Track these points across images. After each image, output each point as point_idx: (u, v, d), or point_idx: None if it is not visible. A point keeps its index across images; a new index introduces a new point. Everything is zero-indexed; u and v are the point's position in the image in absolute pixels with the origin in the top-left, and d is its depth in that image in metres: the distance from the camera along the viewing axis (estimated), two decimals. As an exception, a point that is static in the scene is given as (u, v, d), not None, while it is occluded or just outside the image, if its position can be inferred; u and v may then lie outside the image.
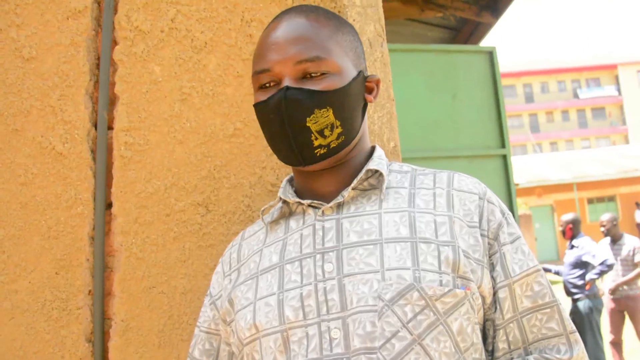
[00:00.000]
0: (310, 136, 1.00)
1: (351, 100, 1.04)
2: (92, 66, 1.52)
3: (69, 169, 1.48)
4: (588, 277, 6.06)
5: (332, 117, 1.00)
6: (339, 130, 1.02)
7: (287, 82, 1.00)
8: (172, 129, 1.47)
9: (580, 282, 6.07)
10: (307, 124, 0.99)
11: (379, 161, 1.08)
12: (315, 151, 1.01)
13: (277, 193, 1.43)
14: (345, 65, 1.04)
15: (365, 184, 1.07)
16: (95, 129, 1.50)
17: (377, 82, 1.13)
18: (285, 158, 1.06)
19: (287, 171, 1.45)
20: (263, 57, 1.04)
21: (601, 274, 6.07)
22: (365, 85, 1.10)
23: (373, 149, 1.15)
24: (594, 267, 6.08)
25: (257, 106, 1.05)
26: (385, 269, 0.93)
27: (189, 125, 1.47)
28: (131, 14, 1.50)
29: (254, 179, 1.45)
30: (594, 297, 6.04)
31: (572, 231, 6.34)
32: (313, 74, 1.01)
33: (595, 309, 6.00)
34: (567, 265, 6.20)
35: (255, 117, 1.45)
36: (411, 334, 0.90)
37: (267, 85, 1.04)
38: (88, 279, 1.45)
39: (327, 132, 1.01)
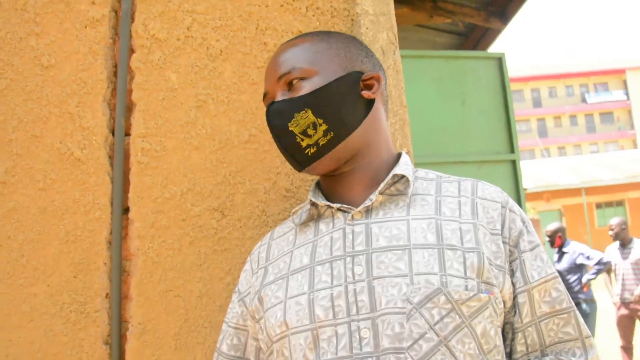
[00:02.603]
0: (295, 138, 1.08)
1: (335, 98, 1.09)
2: (110, 74, 1.55)
3: (86, 174, 1.51)
4: (585, 278, 6.07)
5: (312, 117, 1.08)
6: (323, 127, 1.08)
7: (276, 99, 1.12)
8: (188, 136, 1.49)
9: (577, 287, 6.08)
10: (290, 128, 1.08)
11: (405, 167, 1.12)
12: (306, 151, 1.09)
13: (292, 198, 1.46)
14: (325, 68, 1.11)
15: (392, 189, 1.10)
16: (113, 135, 1.53)
17: (377, 78, 1.16)
18: (291, 165, 1.14)
19: (302, 177, 1.47)
20: (264, 84, 1.18)
21: (598, 273, 6.09)
22: (360, 84, 1.14)
23: (399, 155, 1.19)
24: (588, 269, 6.10)
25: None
26: (414, 273, 0.97)
27: (204, 132, 1.49)
28: (148, 22, 1.53)
29: (269, 184, 1.48)
30: (591, 301, 6.04)
31: (561, 239, 6.40)
32: (293, 82, 1.10)
33: (592, 314, 6.01)
34: (561, 272, 6.23)
35: (269, 123, 1.48)
36: (438, 336, 0.93)
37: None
38: (105, 283, 1.47)
39: (310, 132, 1.08)
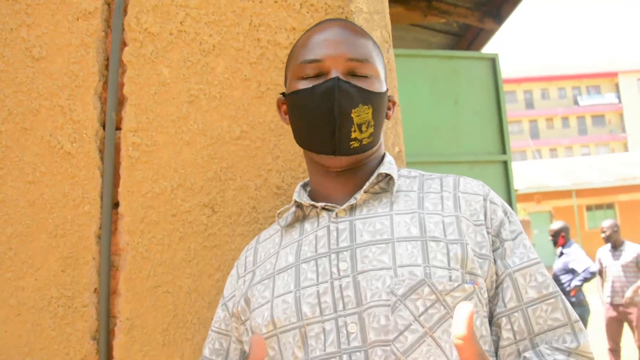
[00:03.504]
0: (351, 127, 1.07)
1: (383, 107, 1.12)
2: (101, 67, 1.54)
3: (76, 168, 1.50)
4: (573, 284, 6.09)
5: (370, 115, 1.08)
6: (371, 130, 1.09)
7: (335, 74, 1.06)
8: (180, 131, 1.48)
9: (567, 289, 6.10)
10: (352, 115, 1.06)
11: (389, 166, 1.14)
12: (350, 143, 1.08)
13: (282, 195, 1.45)
14: (382, 75, 1.14)
15: (377, 187, 1.12)
16: (104, 129, 1.52)
17: (394, 103, 1.22)
18: (318, 145, 1.10)
19: (293, 174, 1.46)
20: (312, 50, 1.11)
21: (585, 281, 6.10)
22: (387, 102, 1.18)
23: (383, 155, 1.21)
24: (579, 274, 6.12)
25: (301, 92, 1.10)
26: (398, 265, 0.97)
27: (196, 127, 1.49)
28: (140, 16, 1.52)
29: (260, 181, 1.47)
30: (580, 304, 6.05)
31: (564, 239, 6.40)
32: (359, 74, 1.09)
33: (583, 317, 6.00)
34: (555, 272, 6.25)
35: (261, 120, 1.48)
36: (423, 327, 0.94)
37: (311, 75, 1.10)
38: (94, 277, 1.46)
39: (364, 128, 1.08)
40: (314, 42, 1.11)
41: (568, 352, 0.99)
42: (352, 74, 1.08)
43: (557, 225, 6.55)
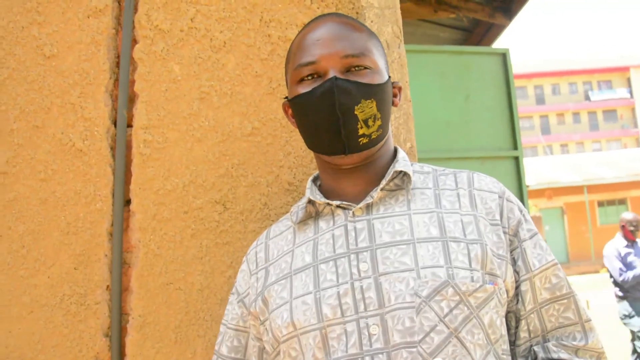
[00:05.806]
0: (357, 124, 1.05)
1: (387, 97, 1.11)
2: (112, 64, 1.54)
3: (88, 165, 1.50)
4: None
5: (375, 109, 1.07)
6: (379, 122, 1.08)
7: (333, 74, 1.05)
8: (191, 127, 1.48)
9: None
10: (355, 112, 1.05)
11: (404, 162, 1.13)
12: (359, 140, 1.06)
13: (294, 192, 1.45)
14: (381, 66, 1.11)
15: (392, 184, 1.11)
16: (115, 126, 1.52)
17: (400, 89, 1.20)
18: (327, 147, 1.09)
19: (304, 170, 1.46)
20: (307, 51, 1.09)
21: None
22: (393, 91, 1.17)
23: (395, 150, 1.20)
24: None
25: (301, 97, 1.08)
26: (420, 267, 0.97)
27: (207, 124, 1.48)
28: (151, 13, 1.52)
29: (271, 177, 1.47)
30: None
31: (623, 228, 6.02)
32: (356, 68, 1.07)
33: None
34: None
35: (272, 116, 1.47)
36: (448, 328, 0.94)
37: (308, 78, 1.09)
38: (106, 275, 1.46)
39: (370, 122, 1.06)
40: (308, 43, 1.10)
41: (575, 350, 1.03)
42: (350, 70, 1.07)
43: (629, 215, 6.06)
